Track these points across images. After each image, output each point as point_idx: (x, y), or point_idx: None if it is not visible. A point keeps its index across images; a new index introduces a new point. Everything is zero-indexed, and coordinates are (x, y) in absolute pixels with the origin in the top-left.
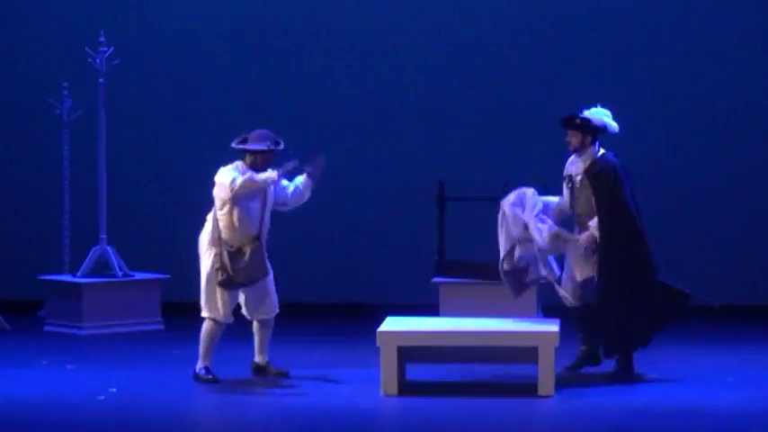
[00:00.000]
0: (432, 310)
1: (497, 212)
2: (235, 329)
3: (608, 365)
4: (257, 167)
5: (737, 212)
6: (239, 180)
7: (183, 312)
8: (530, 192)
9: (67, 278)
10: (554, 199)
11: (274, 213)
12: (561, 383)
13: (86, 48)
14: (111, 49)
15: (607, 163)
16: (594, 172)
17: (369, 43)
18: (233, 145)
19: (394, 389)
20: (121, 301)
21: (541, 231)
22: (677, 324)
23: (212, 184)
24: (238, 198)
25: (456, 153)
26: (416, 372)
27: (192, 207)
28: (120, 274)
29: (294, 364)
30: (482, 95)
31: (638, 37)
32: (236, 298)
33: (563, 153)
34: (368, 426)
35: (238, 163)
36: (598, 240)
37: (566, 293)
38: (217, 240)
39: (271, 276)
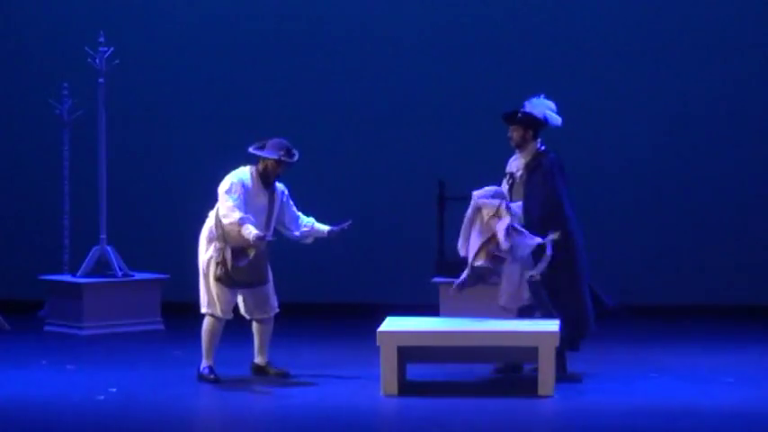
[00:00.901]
0: (432, 310)
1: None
2: (235, 329)
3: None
4: (268, 175)
5: (737, 212)
6: (231, 219)
7: (183, 312)
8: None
9: (67, 278)
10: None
11: None
12: (561, 383)
13: (86, 48)
14: (111, 49)
15: (546, 159)
16: (533, 167)
17: (369, 44)
18: (250, 149)
19: (394, 389)
20: (121, 301)
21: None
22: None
23: (212, 183)
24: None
25: (456, 153)
26: (416, 372)
27: (192, 207)
28: (120, 274)
29: (294, 364)
30: (482, 95)
31: (637, 37)
32: (235, 295)
33: (563, 153)
34: (368, 426)
35: (251, 169)
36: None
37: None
38: (220, 236)
39: (270, 281)
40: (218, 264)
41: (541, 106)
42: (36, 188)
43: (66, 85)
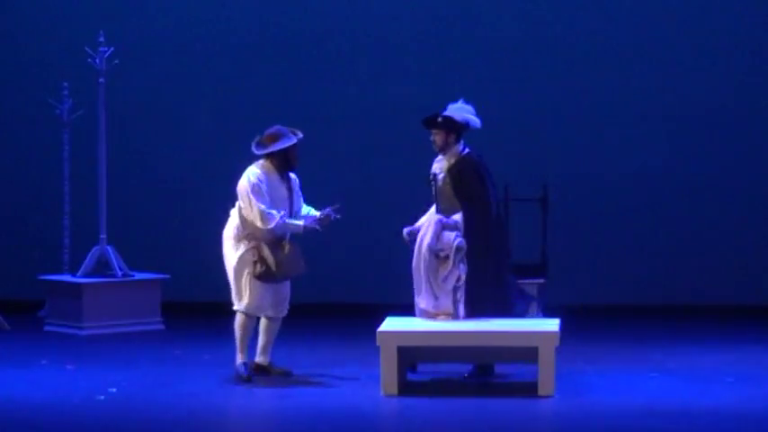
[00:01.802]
0: None
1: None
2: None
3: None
4: (289, 161)
5: (737, 212)
6: (272, 221)
7: (183, 312)
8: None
9: (67, 278)
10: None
11: None
12: (561, 383)
13: (86, 48)
14: (111, 49)
15: (470, 161)
16: (456, 170)
17: (369, 44)
18: (257, 152)
19: (394, 389)
20: (121, 301)
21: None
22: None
23: (212, 183)
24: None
25: None
26: (416, 372)
27: (192, 207)
28: (120, 274)
29: (294, 364)
30: (482, 95)
31: (638, 38)
32: (268, 291)
33: (563, 153)
34: (368, 426)
35: (261, 166)
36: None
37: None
38: (250, 235)
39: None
40: (255, 262)
41: (462, 110)
42: (36, 188)
43: (66, 85)
